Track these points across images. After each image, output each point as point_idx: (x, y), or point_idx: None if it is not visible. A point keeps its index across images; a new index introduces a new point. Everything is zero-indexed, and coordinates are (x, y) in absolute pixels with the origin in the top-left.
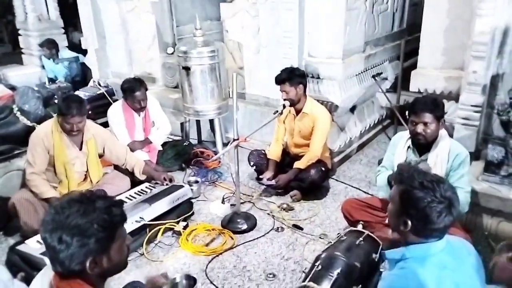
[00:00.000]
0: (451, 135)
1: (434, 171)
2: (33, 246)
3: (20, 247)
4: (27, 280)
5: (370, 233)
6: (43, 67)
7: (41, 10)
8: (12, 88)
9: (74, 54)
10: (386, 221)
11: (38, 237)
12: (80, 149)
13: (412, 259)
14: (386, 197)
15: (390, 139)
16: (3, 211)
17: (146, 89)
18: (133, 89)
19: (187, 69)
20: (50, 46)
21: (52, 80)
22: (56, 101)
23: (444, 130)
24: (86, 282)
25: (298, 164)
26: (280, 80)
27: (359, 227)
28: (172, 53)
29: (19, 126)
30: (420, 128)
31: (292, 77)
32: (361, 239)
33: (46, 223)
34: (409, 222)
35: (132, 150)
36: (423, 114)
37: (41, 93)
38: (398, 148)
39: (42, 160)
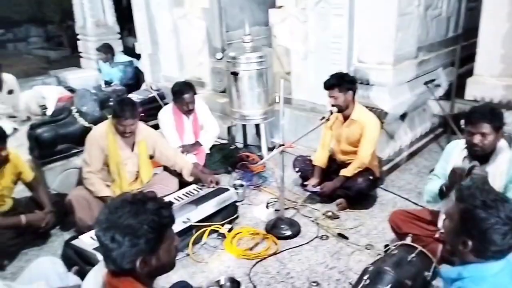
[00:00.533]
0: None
1: (493, 183)
2: (87, 241)
3: (75, 242)
4: (81, 274)
5: (423, 249)
6: (99, 70)
7: (99, 16)
8: (71, 90)
9: (128, 58)
10: (437, 235)
11: (91, 233)
12: (132, 150)
13: (470, 279)
14: (435, 207)
15: (442, 148)
16: (60, 207)
17: (195, 93)
18: (182, 91)
19: (235, 74)
20: (106, 50)
21: (107, 83)
22: (111, 103)
23: (503, 141)
24: (137, 280)
25: (344, 172)
26: (329, 85)
27: (408, 240)
28: (221, 58)
29: (77, 127)
30: (477, 139)
31: (341, 82)
32: (413, 255)
33: (100, 222)
34: (470, 243)
35: (183, 153)
36: (481, 124)
37: (98, 96)
38: (452, 156)
39: (97, 159)
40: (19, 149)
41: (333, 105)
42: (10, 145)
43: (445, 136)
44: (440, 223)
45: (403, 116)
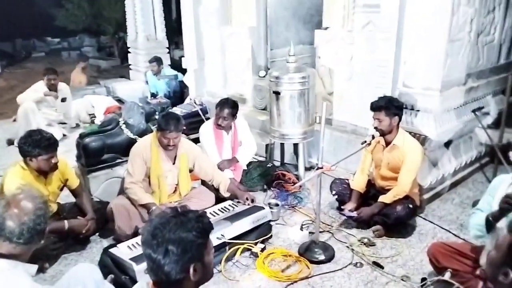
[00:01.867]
0: None
1: None
2: (124, 251)
3: (112, 250)
4: (116, 283)
5: (460, 286)
6: (146, 82)
7: (150, 30)
8: (119, 100)
9: (174, 72)
10: (477, 272)
11: (129, 242)
12: (174, 163)
13: None
14: (479, 240)
15: (488, 179)
16: (102, 214)
17: (234, 111)
18: (218, 106)
19: (277, 93)
20: (158, 63)
21: (153, 95)
22: (156, 117)
23: None
24: None
25: (383, 199)
26: (377, 107)
27: (447, 276)
28: (264, 76)
29: (123, 138)
30: None
31: (389, 106)
32: None
33: (148, 241)
34: (511, 275)
35: (220, 169)
36: None
37: (145, 109)
38: (499, 191)
39: (140, 171)
40: (66, 155)
41: (376, 128)
42: (58, 152)
43: (491, 167)
44: (482, 259)
45: (448, 144)
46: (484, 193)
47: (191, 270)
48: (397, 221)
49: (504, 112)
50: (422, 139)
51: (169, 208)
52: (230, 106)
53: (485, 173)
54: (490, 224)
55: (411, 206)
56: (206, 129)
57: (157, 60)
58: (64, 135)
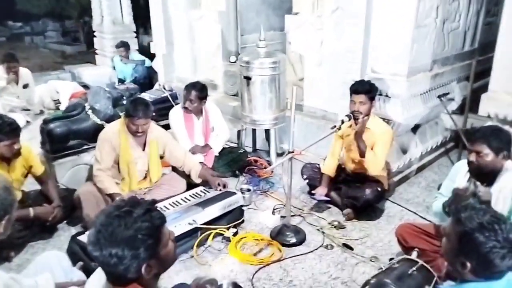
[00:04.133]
0: None
1: (496, 207)
2: None
3: (81, 238)
4: (85, 270)
5: (424, 264)
6: (114, 68)
7: (116, 14)
8: (85, 86)
9: (142, 57)
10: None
11: None
12: (143, 149)
13: None
14: (443, 224)
15: (453, 163)
16: (69, 202)
17: (200, 93)
18: (186, 88)
19: (248, 78)
20: (126, 48)
21: (121, 81)
22: (124, 102)
23: (510, 162)
24: (140, 285)
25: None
26: (363, 90)
27: (414, 255)
28: (235, 62)
29: (89, 123)
30: (472, 157)
31: (372, 90)
32: (414, 268)
33: (93, 243)
34: (468, 264)
35: (192, 153)
36: (478, 143)
37: (112, 94)
38: (458, 176)
39: (108, 157)
40: (31, 142)
41: (355, 111)
42: (22, 138)
43: (456, 151)
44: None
45: (414, 129)
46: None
47: (143, 269)
48: (366, 204)
49: (468, 98)
50: (390, 124)
51: (114, 204)
52: (197, 89)
53: (450, 157)
54: (447, 213)
55: (379, 189)
56: (175, 114)
57: (124, 45)
58: (28, 121)
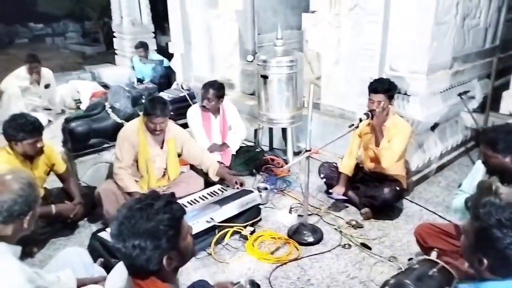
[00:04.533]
0: None
1: None
2: None
3: (101, 234)
4: (106, 266)
5: (445, 265)
6: (133, 68)
7: (135, 15)
8: (105, 86)
9: (160, 57)
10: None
11: None
12: (161, 147)
13: None
14: (464, 221)
15: (473, 162)
16: (89, 199)
17: (218, 92)
18: (204, 87)
19: (265, 77)
20: (144, 48)
21: (140, 81)
22: (143, 101)
23: None
24: (158, 278)
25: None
26: (382, 89)
27: (433, 255)
28: (252, 61)
29: (109, 122)
30: (482, 158)
31: (391, 89)
32: (434, 269)
33: (116, 235)
34: (485, 261)
35: (210, 152)
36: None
37: (131, 93)
38: (480, 173)
39: (128, 155)
40: (52, 141)
41: (372, 110)
42: (44, 137)
43: (477, 150)
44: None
45: (434, 127)
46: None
47: (165, 261)
48: (384, 204)
49: (489, 96)
50: (410, 123)
51: (135, 198)
52: (215, 87)
53: (471, 157)
54: (469, 208)
55: (398, 188)
56: (193, 113)
57: (143, 45)
58: (49, 121)
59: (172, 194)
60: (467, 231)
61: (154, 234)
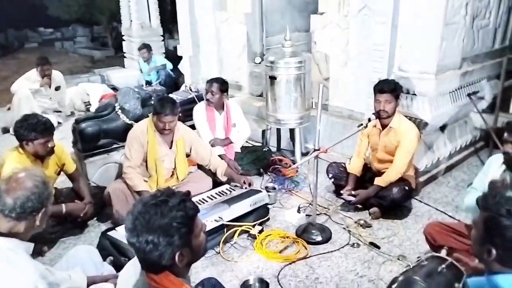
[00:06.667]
0: None
1: None
2: (123, 234)
3: (111, 233)
4: (115, 265)
5: (454, 261)
6: (141, 70)
7: (144, 18)
8: (114, 88)
9: (164, 60)
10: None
11: None
12: (170, 147)
13: None
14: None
15: (482, 163)
16: (99, 199)
17: (221, 86)
18: (208, 82)
19: (273, 78)
20: (147, 49)
21: (148, 83)
22: (152, 102)
23: None
24: (172, 273)
25: (378, 182)
26: (388, 89)
27: (443, 253)
28: (260, 63)
29: (119, 123)
30: (509, 148)
31: (396, 88)
32: (443, 266)
33: (130, 230)
34: (494, 251)
35: (212, 146)
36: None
37: (140, 94)
38: (492, 169)
39: (138, 155)
40: (62, 142)
41: (380, 111)
42: (54, 138)
43: (486, 151)
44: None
45: (443, 128)
46: (479, 172)
47: (177, 257)
48: (393, 203)
49: (499, 97)
50: (418, 123)
51: (151, 194)
52: (219, 81)
53: (480, 157)
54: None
55: (407, 188)
56: (198, 108)
57: (146, 47)
58: (59, 122)
59: (188, 192)
60: (477, 223)
61: (167, 230)
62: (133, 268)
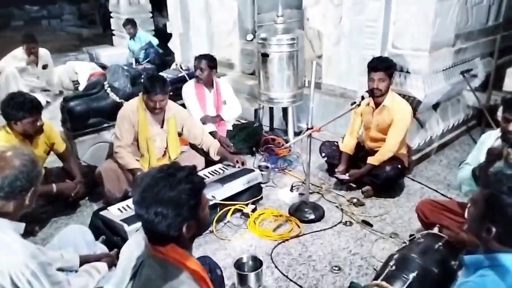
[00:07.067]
0: None
1: None
2: (115, 213)
3: (103, 213)
4: (107, 244)
5: (440, 233)
6: (129, 48)
7: None
8: (103, 66)
9: (149, 37)
10: (465, 228)
11: (120, 204)
12: (162, 126)
13: (493, 269)
14: (469, 195)
15: (475, 141)
16: (90, 178)
17: (210, 62)
18: (197, 58)
19: (265, 55)
20: (132, 24)
21: (137, 61)
22: (142, 80)
23: None
24: (178, 245)
25: (371, 160)
26: (382, 67)
27: (435, 230)
28: (252, 40)
29: (108, 102)
30: (511, 127)
31: (390, 66)
32: (440, 243)
33: (139, 201)
34: (494, 229)
35: (203, 123)
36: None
37: (130, 72)
38: (485, 145)
39: (128, 134)
40: (51, 122)
41: (374, 89)
42: (43, 118)
43: (479, 129)
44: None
45: (436, 106)
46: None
47: (184, 228)
48: (386, 182)
49: (492, 75)
50: (411, 101)
51: (159, 167)
52: (207, 58)
53: (472, 136)
54: (477, 177)
55: (399, 166)
56: (188, 86)
57: (130, 22)
58: (47, 102)
59: (194, 166)
60: (475, 200)
61: (176, 202)
62: (137, 241)
